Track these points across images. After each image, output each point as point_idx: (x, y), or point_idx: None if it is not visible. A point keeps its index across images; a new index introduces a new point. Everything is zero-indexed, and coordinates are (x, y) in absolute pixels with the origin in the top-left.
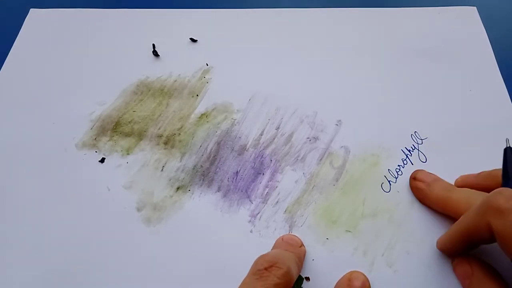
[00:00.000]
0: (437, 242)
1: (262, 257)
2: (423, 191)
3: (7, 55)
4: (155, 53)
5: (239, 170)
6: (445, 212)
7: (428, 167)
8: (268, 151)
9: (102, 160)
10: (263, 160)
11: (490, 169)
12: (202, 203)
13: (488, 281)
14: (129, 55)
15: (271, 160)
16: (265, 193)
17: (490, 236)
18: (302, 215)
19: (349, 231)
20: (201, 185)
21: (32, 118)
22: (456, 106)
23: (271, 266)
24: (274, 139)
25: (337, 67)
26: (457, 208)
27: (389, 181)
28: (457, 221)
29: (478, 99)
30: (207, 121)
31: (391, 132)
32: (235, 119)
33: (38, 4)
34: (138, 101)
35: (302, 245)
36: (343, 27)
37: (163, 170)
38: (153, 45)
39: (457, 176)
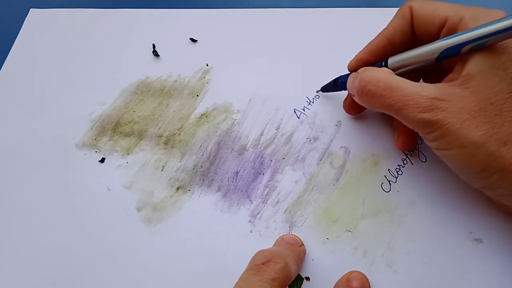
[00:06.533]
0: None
1: (259, 252)
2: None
3: (7, 55)
4: (155, 53)
5: (239, 170)
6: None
7: (428, 167)
8: (268, 151)
9: (102, 160)
10: (263, 160)
11: None
12: (202, 203)
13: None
14: (129, 55)
15: (271, 160)
16: (265, 193)
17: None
18: (302, 215)
19: (349, 231)
20: (201, 185)
21: (32, 118)
22: None
23: (268, 261)
24: (274, 139)
25: (337, 68)
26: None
27: (389, 181)
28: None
29: None
30: (207, 121)
31: (391, 132)
32: (235, 119)
33: (38, 4)
34: (138, 101)
35: (302, 244)
36: (343, 27)
37: (163, 170)
38: (153, 45)
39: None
